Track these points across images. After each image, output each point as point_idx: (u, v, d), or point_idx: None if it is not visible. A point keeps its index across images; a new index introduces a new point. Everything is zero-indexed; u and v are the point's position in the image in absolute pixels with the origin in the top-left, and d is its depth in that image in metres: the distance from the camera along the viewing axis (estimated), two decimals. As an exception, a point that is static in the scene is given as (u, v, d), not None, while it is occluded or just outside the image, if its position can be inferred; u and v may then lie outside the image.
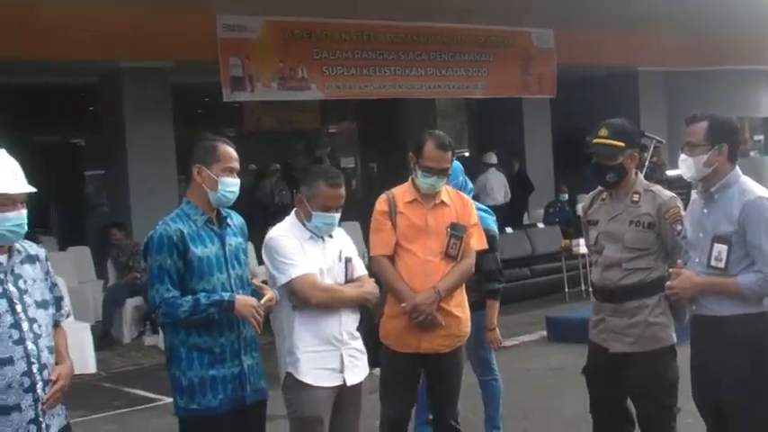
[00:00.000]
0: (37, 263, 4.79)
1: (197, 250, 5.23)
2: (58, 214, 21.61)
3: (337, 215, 5.84)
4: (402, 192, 6.54)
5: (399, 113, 21.75)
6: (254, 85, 16.15)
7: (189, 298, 5.17)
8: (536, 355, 12.05)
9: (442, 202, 6.48)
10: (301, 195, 5.87)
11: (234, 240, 5.44)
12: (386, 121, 22.05)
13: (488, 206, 8.62)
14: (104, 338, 14.16)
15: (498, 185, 20.52)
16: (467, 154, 24.96)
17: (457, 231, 6.39)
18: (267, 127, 22.84)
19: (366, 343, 6.08)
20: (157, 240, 5.24)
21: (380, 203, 6.51)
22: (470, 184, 7.68)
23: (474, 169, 21.01)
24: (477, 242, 6.58)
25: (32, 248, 4.83)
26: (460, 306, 6.49)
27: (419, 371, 6.57)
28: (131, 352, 13.71)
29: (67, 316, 5.08)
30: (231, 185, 5.36)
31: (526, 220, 20.63)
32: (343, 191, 5.87)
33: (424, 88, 18.47)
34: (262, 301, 5.29)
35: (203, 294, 5.18)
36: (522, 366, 11.16)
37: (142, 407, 10.04)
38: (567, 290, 16.18)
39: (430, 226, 6.39)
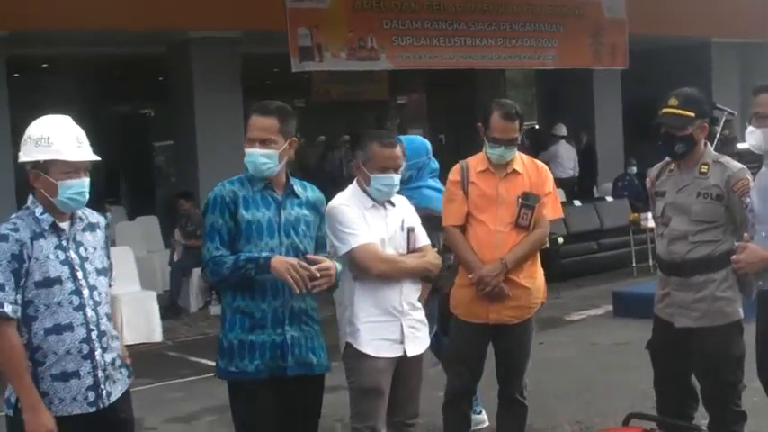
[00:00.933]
0: (97, 230, 4.83)
1: (247, 213, 5.19)
2: (127, 184, 21.80)
3: (396, 176, 5.76)
4: (476, 161, 6.48)
5: (469, 85, 21.56)
6: (322, 54, 16.04)
7: (232, 256, 5.14)
8: (602, 329, 11.95)
9: (515, 170, 6.40)
10: (358, 161, 5.84)
11: (296, 211, 5.32)
12: (455, 92, 21.91)
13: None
14: (171, 308, 14.26)
15: (568, 157, 20.49)
16: (537, 126, 24.71)
17: (529, 201, 6.31)
18: (336, 98, 22.78)
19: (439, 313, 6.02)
20: (212, 200, 5.26)
21: (453, 173, 6.46)
22: (435, 164, 7.48)
23: (544, 141, 20.99)
24: (552, 211, 6.51)
25: (93, 216, 4.86)
26: (531, 277, 6.41)
27: (486, 342, 6.50)
28: (197, 321, 13.80)
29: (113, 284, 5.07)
30: (252, 156, 5.26)
31: (595, 194, 20.44)
32: (398, 150, 5.79)
33: (494, 59, 18.22)
34: (313, 267, 5.11)
35: (245, 252, 5.14)
36: (587, 341, 11.10)
37: (207, 376, 10.01)
38: (634, 264, 15.96)
39: (501, 195, 6.33)
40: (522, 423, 6.64)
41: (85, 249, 4.70)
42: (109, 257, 4.90)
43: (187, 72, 16.38)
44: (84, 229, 4.74)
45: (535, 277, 6.46)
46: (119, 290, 12.43)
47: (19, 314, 4.48)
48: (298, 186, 5.41)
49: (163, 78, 19.06)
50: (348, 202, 5.76)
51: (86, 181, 4.65)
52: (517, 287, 6.31)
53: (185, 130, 16.72)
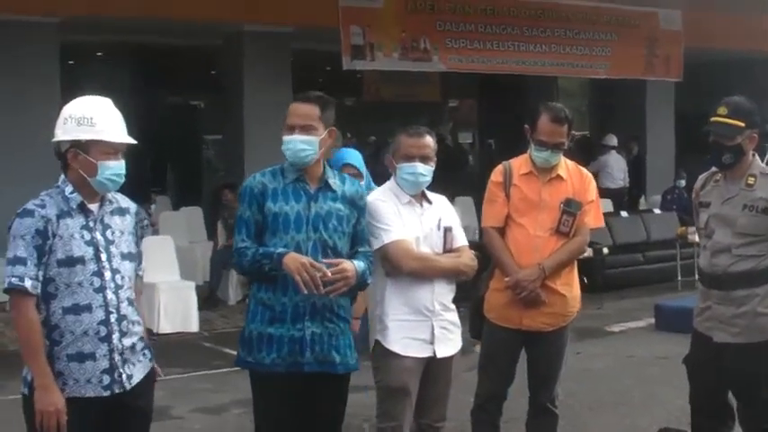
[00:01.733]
0: (127, 215, 4.78)
1: (274, 206, 5.12)
2: (174, 175, 21.85)
3: (421, 165, 5.62)
4: (519, 163, 6.38)
5: (521, 91, 21.43)
6: (374, 54, 16.00)
7: (253, 248, 5.08)
8: (642, 342, 11.82)
9: (559, 176, 6.30)
10: (389, 156, 5.76)
11: (329, 205, 5.22)
12: (506, 97, 21.76)
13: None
14: (210, 299, 14.26)
15: (618, 168, 20.36)
16: (588, 135, 24.55)
17: (571, 207, 6.20)
18: (387, 98, 22.70)
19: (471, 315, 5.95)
20: (242, 192, 5.23)
21: (496, 174, 6.36)
22: (371, 183, 7.02)
23: (594, 150, 20.83)
24: (594, 220, 6.40)
25: (124, 201, 4.82)
26: (568, 285, 6.30)
27: (519, 347, 6.38)
28: (235, 314, 13.71)
29: (143, 272, 4.98)
30: (291, 143, 5.16)
31: (643, 205, 20.28)
32: (427, 140, 5.67)
33: (547, 65, 18.09)
34: (330, 270, 4.99)
35: (270, 246, 5.08)
36: (626, 353, 10.99)
37: (239, 369, 10.00)
38: (679, 278, 15.75)
39: (543, 200, 6.22)
40: (551, 430, 6.49)
41: (113, 232, 4.65)
42: (138, 245, 4.84)
43: (239, 66, 16.41)
44: (113, 213, 4.70)
45: (572, 285, 6.34)
46: (157, 278, 12.50)
47: (39, 291, 4.45)
48: (335, 179, 5.32)
49: (215, 71, 19.10)
50: (384, 197, 5.66)
51: (123, 164, 4.63)
52: (553, 294, 6.19)
53: (234, 124, 16.73)
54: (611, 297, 14.32)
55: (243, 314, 12.72)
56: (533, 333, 6.25)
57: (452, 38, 16.68)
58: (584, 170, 6.53)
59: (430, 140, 5.71)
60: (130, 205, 4.83)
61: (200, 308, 13.11)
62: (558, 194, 6.24)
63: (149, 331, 11.76)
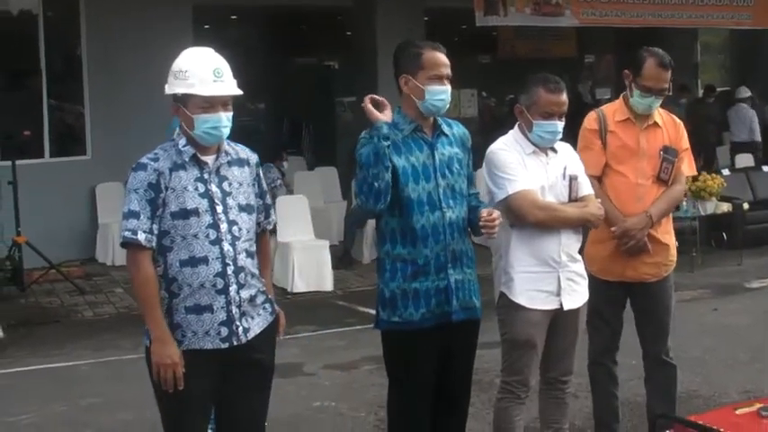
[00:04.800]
0: (246, 167, 4.73)
1: (400, 159, 5.04)
2: (310, 136, 21.96)
3: (560, 123, 5.48)
4: (613, 110, 6.24)
5: (659, 45, 20.89)
6: (507, 9, 15.82)
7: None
8: (781, 298, 11.54)
9: (655, 123, 6.17)
10: (520, 106, 5.57)
11: (448, 150, 5.19)
12: (644, 52, 21.32)
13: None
14: (344, 258, 14.30)
15: (740, 121, 19.84)
16: (729, 89, 23.92)
17: (669, 155, 6.09)
18: (522, 55, 22.41)
19: None
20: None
21: (589, 121, 6.20)
22: None
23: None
24: (689, 168, 6.30)
25: (244, 152, 4.78)
26: (669, 233, 6.22)
27: (624, 298, 6.27)
28: (370, 272, 13.68)
29: (272, 226, 4.95)
30: (439, 93, 5.08)
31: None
32: (564, 97, 5.50)
33: (685, 17, 17.63)
34: (483, 216, 5.02)
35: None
36: (763, 309, 10.76)
37: (372, 326, 10.03)
38: (820, 234, 15.30)
39: (642, 147, 6.09)
40: (674, 384, 6.34)
41: (230, 184, 4.61)
42: (260, 196, 4.80)
43: (371, 26, 16.33)
44: (230, 164, 4.66)
45: (672, 234, 6.27)
46: (291, 237, 12.63)
47: (153, 244, 4.46)
48: (444, 125, 5.26)
49: (349, 33, 19.10)
50: (508, 147, 5.53)
51: (225, 116, 4.53)
52: (657, 243, 6.09)
53: (368, 85, 16.62)
54: (750, 254, 13.94)
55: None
56: (636, 284, 6.14)
57: (585, -10, 16.40)
58: (676, 117, 6.38)
59: (566, 95, 5.57)
60: (250, 156, 4.77)
61: (335, 267, 13.17)
62: (656, 141, 6.12)
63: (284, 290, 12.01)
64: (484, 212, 5.09)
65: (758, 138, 19.85)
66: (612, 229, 5.98)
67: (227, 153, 4.67)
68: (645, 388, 6.44)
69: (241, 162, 4.72)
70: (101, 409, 7.95)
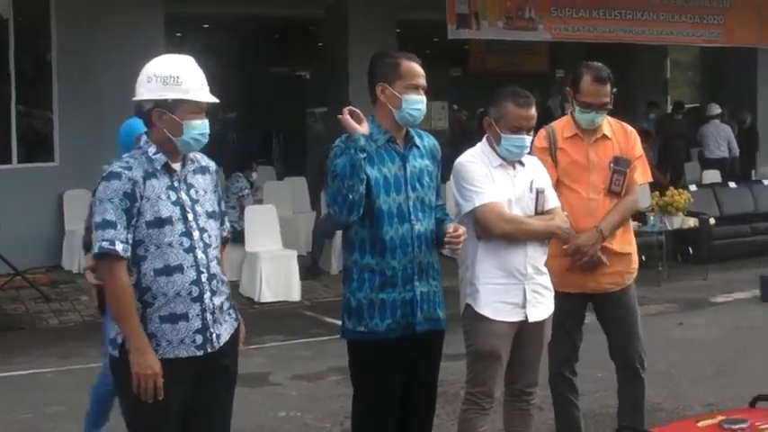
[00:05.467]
0: (207, 174, 4.76)
1: (372, 170, 5.05)
2: (280, 145, 21.97)
3: (528, 137, 5.51)
4: (562, 126, 6.29)
5: (630, 61, 21.08)
6: (479, 23, 15.83)
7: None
8: (746, 314, 11.64)
9: (604, 135, 6.21)
10: (489, 118, 5.59)
11: (419, 162, 5.22)
12: (615, 68, 21.38)
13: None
14: (312, 269, 14.26)
15: (714, 138, 19.91)
16: (698, 106, 24.09)
17: (620, 166, 6.14)
18: (493, 69, 22.50)
19: None
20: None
21: (539, 139, 6.20)
22: None
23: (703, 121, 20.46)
24: (642, 176, 6.32)
25: (204, 160, 4.80)
26: (628, 243, 6.28)
27: (584, 308, 6.33)
28: (337, 283, 13.48)
29: (227, 233, 4.94)
30: (416, 102, 5.11)
31: (753, 177, 19.81)
32: (533, 111, 5.51)
33: (656, 34, 17.72)
34: (450, 235, 5.05)
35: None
36: (729, 324, 10.87)
37: (339, 336, 10.01)
38: (787, 251, 15.44)
39: (592, 161, 6.14)
40: (642, 397, 6.37)
41: (196, 192, 4.64)
42: (220, 203, 4.82)
43: (344, 37, 16.37)
44: (195, 172, 4.68)
45: (631, 243, 6.32)
46: (259, 247, 12.63)
47: (129, 253, 4.43)
48: (416, 137, 5.28)
49: (321, 43, 19.13)
50: (475, 159, 5.55)
51: (207, 123, 4.59)
52: (613, 254, 6.13)
53: (339, 96, 16.70)
54: (716, 268, 14.10)
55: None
56: (599, 295, 6.19)
57: (558, 6, 16.44)
58: (628, 126, 6.42)
59: (535, 110, 5.58)
60: (210, 164, 4.79)
61: (303, 277, 13.13)
62: (605, 154, 6.16)
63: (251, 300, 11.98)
64: (450, 228, 5.13)
65: (737, 153, 20.05)
66: (564, 246, 6.01)
67: (192, 161, 4.68)
68: (618, 398, 6.47)
69: (203, 170, 4.75)
70: (65, 418, 7.89)
